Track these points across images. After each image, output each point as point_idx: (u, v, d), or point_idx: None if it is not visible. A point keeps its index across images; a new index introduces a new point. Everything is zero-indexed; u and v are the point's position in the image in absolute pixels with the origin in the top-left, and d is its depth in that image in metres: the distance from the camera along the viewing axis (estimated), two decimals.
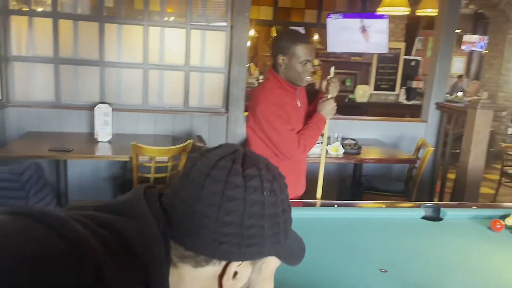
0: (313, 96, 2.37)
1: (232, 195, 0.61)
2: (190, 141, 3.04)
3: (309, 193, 2.42)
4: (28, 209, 0.58)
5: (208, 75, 3.87)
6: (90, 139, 3.42)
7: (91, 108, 3.46)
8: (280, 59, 2.11)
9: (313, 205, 1.98)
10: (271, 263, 0.68)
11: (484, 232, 1.78)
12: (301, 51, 2.08)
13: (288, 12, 8.90)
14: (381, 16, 6.42)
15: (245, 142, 2.35)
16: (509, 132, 7.74)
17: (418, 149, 3.75)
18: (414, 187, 3.46)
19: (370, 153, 3.55)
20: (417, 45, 9.68)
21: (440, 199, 4.01)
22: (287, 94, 2.16)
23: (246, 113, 3.06)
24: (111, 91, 3.73)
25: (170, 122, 3.75)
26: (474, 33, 10.20)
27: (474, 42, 9.99)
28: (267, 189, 0.63)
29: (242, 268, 0.65)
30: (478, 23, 10.31)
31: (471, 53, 10.65)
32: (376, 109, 7.44)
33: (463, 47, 10.05)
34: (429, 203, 1.97)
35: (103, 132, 3.36)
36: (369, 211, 1.95)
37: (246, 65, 3.75)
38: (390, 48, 7.65)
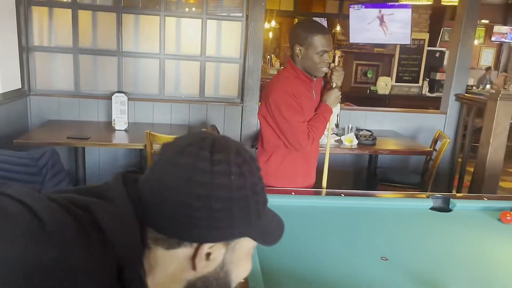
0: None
1: (199, 180, 0.62)
2: (203, 130, 3.07)
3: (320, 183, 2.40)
4: (4, 189, 0.61)
5: (223, 65, 3.89)
6: (108, 127, 3.50)
7: (109, 97, 3.53)
8: (297, 49, 2.09)
9: (319, 193, 1.98)
10: (245, 244, 0.70)
11: (494, 224, 1.75)
12: (318, 41, 2.05)
13: (309, 2, 8.76)
14: (404, 6, 6.28)
15: (259, 132, 2.35)
16: None
17: (435, 141, 3.68)
18: (429, 180, 3.39)
19: (385, 145, 3.50)
20: (443, 36, 9.43)
21: (458, 193, 3.92)
22: (303, 85, 2.14)
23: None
24: (128, 81, 3.79)
25: (186, 111, 3.79)
26: (505, 23, 9.86)
27: (505, 33, 9.66)
28: (235, 173, 0.64)
29: (215, 249, 0.66)
30: (508, 13, 9.93)
31: (501, 45, 10.31)
32: (397, 101, 7.29)
33: (493, 38, 9.73)
34: (438, 194, 1.94)
35: (120, 121, 3.42)
36: (377, 200, 1.94)
37: (261, 56, 3.74)
38: (413, 39, 7.47)
